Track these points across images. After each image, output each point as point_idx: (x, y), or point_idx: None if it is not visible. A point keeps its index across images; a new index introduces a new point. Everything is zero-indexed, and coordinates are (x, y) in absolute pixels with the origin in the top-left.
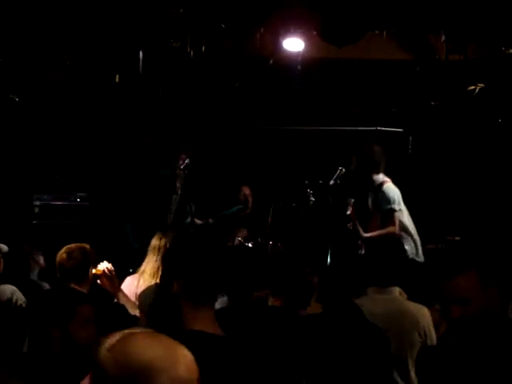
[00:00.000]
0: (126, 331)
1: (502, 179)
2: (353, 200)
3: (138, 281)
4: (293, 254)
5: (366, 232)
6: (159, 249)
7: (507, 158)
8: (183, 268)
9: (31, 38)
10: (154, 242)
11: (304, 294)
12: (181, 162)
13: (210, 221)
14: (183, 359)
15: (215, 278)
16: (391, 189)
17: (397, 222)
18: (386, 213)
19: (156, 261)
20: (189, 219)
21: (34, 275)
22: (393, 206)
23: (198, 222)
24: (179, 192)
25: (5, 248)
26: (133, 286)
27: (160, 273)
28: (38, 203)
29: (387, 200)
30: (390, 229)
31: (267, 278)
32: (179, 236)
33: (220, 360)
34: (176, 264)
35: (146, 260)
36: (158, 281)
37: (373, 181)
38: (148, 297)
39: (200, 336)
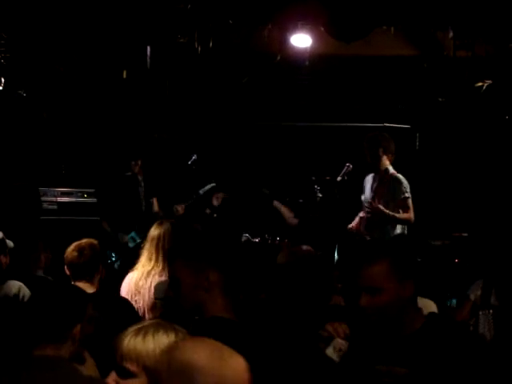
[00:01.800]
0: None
1: (509, 175)
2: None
3: (133, 273)
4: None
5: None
6: (158, 238)
7: None
8: (219, 258)
9: (39, 34)
10: (153, 232)
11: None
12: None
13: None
14: (232, 365)
15: (240, 268)
16: (403, 178)
17: (412, 210)
18: (403, 201)
19: (152, 248)
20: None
21: (41, 271)
22: (408, 195)
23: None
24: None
25: (10, 244)
26: (129, 279)
27: (155, 259)
28: (44, 199)
29: (402, 188)
30: (408, 215)
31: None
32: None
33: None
34: (210, 254)
35: (143, 250)
36: (154, 267)
37: (383, 167)
38: (163, 284)
39: (223, 322)
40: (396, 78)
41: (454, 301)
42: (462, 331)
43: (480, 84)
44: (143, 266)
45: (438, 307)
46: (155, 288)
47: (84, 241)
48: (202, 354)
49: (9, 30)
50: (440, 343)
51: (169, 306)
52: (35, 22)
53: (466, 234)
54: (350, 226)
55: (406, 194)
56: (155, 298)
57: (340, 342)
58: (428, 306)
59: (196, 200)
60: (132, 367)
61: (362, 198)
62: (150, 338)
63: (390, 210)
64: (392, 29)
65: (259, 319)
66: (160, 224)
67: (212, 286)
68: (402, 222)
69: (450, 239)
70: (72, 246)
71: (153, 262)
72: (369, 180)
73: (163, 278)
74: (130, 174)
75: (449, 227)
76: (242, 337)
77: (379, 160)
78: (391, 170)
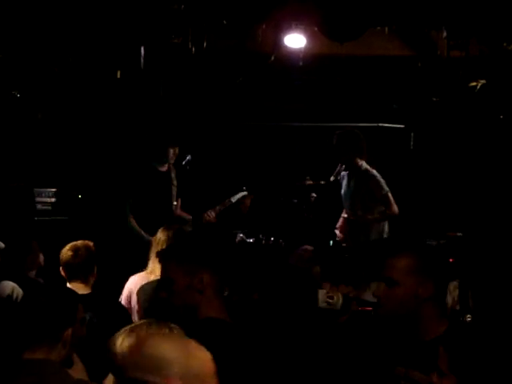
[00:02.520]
0: (141, 328)
1: (504, 175)
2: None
3: (135, 276)
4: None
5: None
6: (163, 243)
7: (508, 155)
8: (213, 259)
9: (32, 34)
10: (159, 236)
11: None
12: (172, 156)
13: (217, 208)
14: (197, 354)
15: (233, 268)
16: (377, 173)
17: (394, 203)
18: (384, 197)
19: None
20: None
21: (34, 273)
22: (387, 189)
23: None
24: (175, 183)
25: (1, 245)
26: (130, 282)
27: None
28: (39, 200)
29: (381, 185)
30: (392, 210)
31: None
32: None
33: (237, 346)
34: (204, 255)
35: (151, 257)
36: (156, 271)
37: (357, 165)
38: (147, 293)
39: (218, 323)
40: (390, 78)
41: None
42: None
43: (474, 84)
44: (146, 270)
45: None
46: (138, 296)
47: (79, 242)
48: (169, 346)
49: (2, 30)
50: (466, 350)
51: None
52: (29, 22)
53: (460, 234)
54: (336, 226)
55: (385, 189)
56: (138, 307)
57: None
58: None
59: (227, 208)
60: None
61: (342, 192)
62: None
63: (370, 208)
64: (386, 29)
65: (254, 320)
66: (166, 228)
67: (206, 288)
68: (389, 218)
69: (445, 239)
70: (67, 247)
71: (151, 268)
72: (344, 176)
73: None
74: (164, 169)
75: (444, 227)
76: (237, 338)
77: (351, 159)
78: (364, 166)
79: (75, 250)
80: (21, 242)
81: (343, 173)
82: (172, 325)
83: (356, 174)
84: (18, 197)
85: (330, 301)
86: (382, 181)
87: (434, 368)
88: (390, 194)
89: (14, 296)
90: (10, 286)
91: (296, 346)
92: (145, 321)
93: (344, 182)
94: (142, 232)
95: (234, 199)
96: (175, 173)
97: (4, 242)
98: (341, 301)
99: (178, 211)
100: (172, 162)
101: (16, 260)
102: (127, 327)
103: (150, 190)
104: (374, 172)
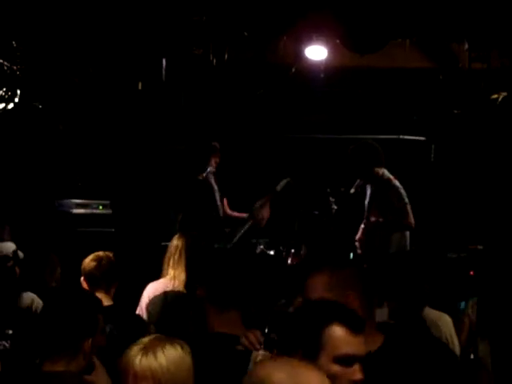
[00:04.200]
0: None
1: None
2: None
3: (154, 284)
4: None
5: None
6: (177, 250)
7: None
8: (206, 274)
9: (54, 46)
10: (174, 243)
11: None
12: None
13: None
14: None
15: (237, 283)
16: (399, 185)
17: (411, 215)
18: (403, 208)
19: (171, 261)
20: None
21: (54, 284)
22: (406, 200)
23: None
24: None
25: (20, 254)
26: (149, 290)
27: (173, 272)
28: (60, 211)
29: (400, 195)
30: (409, 221)
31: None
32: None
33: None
34: (200, 270)
35: (171, 264)
36: (174, 279)
37: (377, 175)
38: (156, 306)
39: (224, 338)
40: (411, 90)
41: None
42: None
43: (495, 96)
44: (166, 277)
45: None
46: (147, 310)
47: (102, 252)
48: (281, 371)
49: (24, 42)
50: (401, 364)
51: (162, 328)
52: (50, 34)
53: (481, 247)
54: (356, 238)
55: (405, 200)
56: (149, 321)
57: (257, 354)
58: (443, 319)
59: (274, 197)
60: None
61: (366, 203)
62: (160, 354)
63: (385, 216)
64: (407, 41)
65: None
66: (181, 236)
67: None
68: (403, 228)
69: (466, 252)
70: (90, 257)
71: (172, 275)
72: (366, 187)
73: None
74: (201, 178)
75: (465, 240)
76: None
77: (369, 169)
78: (386, 175)
79: (98, 260)
80: (42, 253)
81: (365, 184)
82: (177, 339)
83: (375, 182)
84: (38, 208)
85: None
86: (403, 192)
87: None
88: (408, 206)
89: (34, 307)
90: (30, 297)
91: None
92: (153, 338)
93: (367, 192)
94: None
95: (279, 187)
96: (214, 178)
97: (24, 253)
98: None
99: (228, 211)
100: (214, 170)
101: (37, 271)
102: (140, 345)
103: (193, 198)
104: (396, 182)
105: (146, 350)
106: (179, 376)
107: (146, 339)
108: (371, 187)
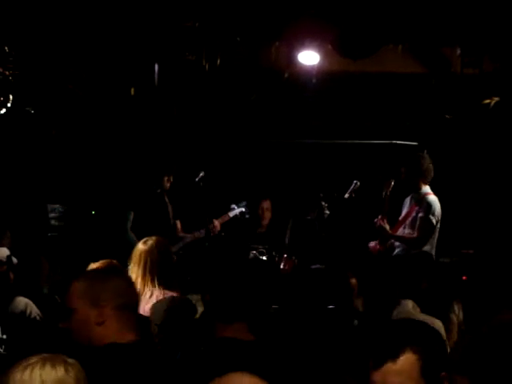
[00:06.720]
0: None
1: None
2: (393, 182)
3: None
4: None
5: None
6: (146, 254)
7: None
8: (210, 286)
9: (46, 51)
10: (139, 249)
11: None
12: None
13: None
14: None
15: (239, 296)
16: (435, 201)
17: (424, 233)
18: (423, 220)
19: (140, 269)
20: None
21: (46, 288)
22: (431, 217)
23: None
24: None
25: (14, 260)
26: None
27: (149, 279)
28: (52, 215)
29: (428, 210)
30: (419, 234)
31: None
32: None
33: (251, 364)
34: (204, 281)
35: (132, 269)
36: (149, 287)
37: (420, 190)
38: (161, 309)
39: (230, 342)
40: (404, 95)
41: None
42: None
43: (488, 101)
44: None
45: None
46: (152, 312)
47: (105, 260)
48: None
49: (17, 46)
50: None
51: (166, 331)
52: (43, 40)
53: (472, 251)
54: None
55: (430, 217)
56: (153, 323)
57: None
58: (436, 325)
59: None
60: None
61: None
62: (36, 372)
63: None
64: (400, 46)
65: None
66: (145, 242)
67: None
68: (406, 242)
69: (459, 256)
70: (93, 265)
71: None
72: (406, 201)
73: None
74: (159, 190)
75: (457, 244)
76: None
77: (415, 182)
78: (427, 190)
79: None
80: (33, 258)
81: (406, 198)
82: (67, 359)
83: (417, 198)
84: (31, 213)
85: None
86: (434, 209)
87: None
88: (427, 223)
89: (28, 312)
90: (23, 301)
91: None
92: (39, 356)
93: (405, 209)
94: None
95: (231, 214)
96: (168, 197)
97: (18, 258)
98: None
99: (181, 233)
100: (166, 189)
101: (30, 276)
102: (23, 362)
103: (148, 206)
104: (431, 197)
105: (24, 367)
106: None
107: (34, 357)
108: (413, 199)
